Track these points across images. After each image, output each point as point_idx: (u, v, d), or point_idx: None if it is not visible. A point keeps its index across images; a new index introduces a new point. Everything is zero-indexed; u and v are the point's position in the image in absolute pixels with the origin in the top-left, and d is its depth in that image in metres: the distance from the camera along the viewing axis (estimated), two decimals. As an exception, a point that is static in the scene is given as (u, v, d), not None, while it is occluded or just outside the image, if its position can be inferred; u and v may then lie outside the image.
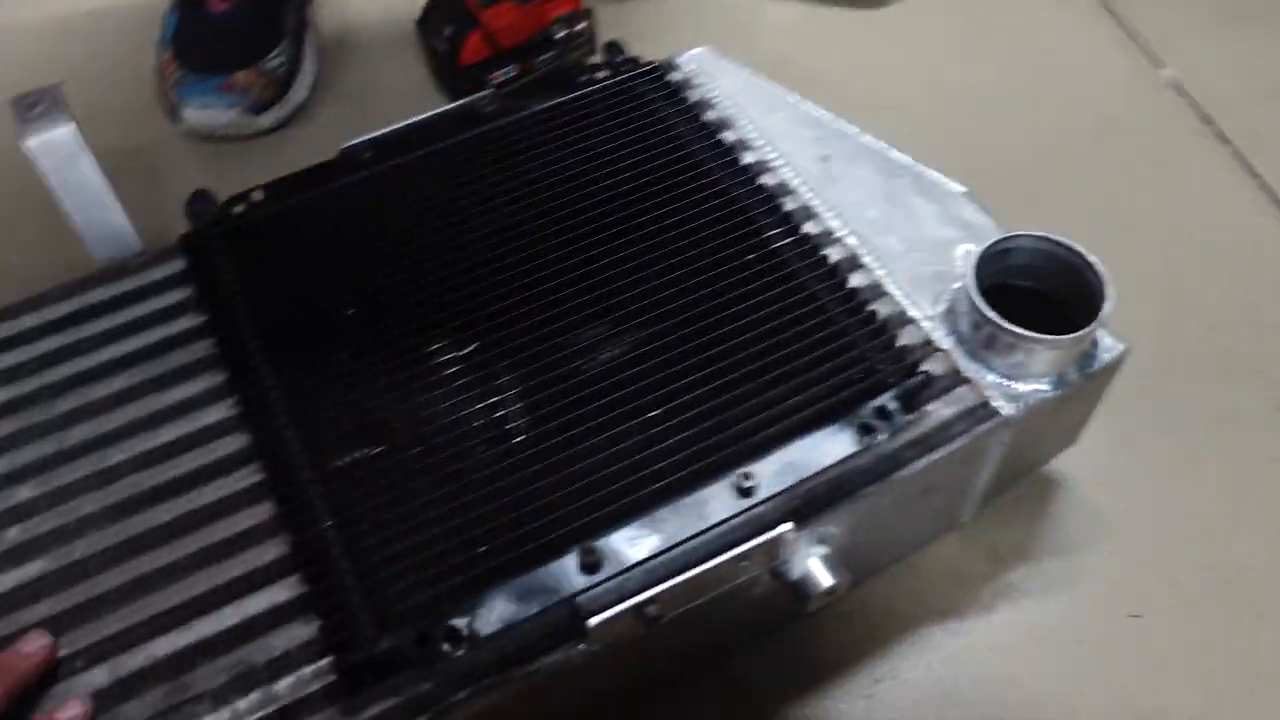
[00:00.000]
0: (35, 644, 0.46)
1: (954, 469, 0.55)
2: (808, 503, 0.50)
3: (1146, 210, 0.81)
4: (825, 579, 0.50)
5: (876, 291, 0.57)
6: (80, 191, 0.59)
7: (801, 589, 0.50)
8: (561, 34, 0.84)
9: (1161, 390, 0.71)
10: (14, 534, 0.50)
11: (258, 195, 0.59)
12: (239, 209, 0.59)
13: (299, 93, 0.86)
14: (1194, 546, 0.64)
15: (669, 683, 0.59)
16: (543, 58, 0.83)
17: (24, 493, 0.51)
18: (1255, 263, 0.78)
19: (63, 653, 0.46)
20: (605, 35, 0.78)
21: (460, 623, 0.44)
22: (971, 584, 0.63)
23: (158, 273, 0.59)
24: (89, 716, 0.44)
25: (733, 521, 0.47)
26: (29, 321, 0.58)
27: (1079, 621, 0.61)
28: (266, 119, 0.84)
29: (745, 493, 0.48)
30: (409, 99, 0.89)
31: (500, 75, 0.81)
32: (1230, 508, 0.65)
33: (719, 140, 0.62)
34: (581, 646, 0.46)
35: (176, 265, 0.59)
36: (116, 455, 0.52)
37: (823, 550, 0.50)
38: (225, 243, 0.58)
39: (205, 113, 0.81)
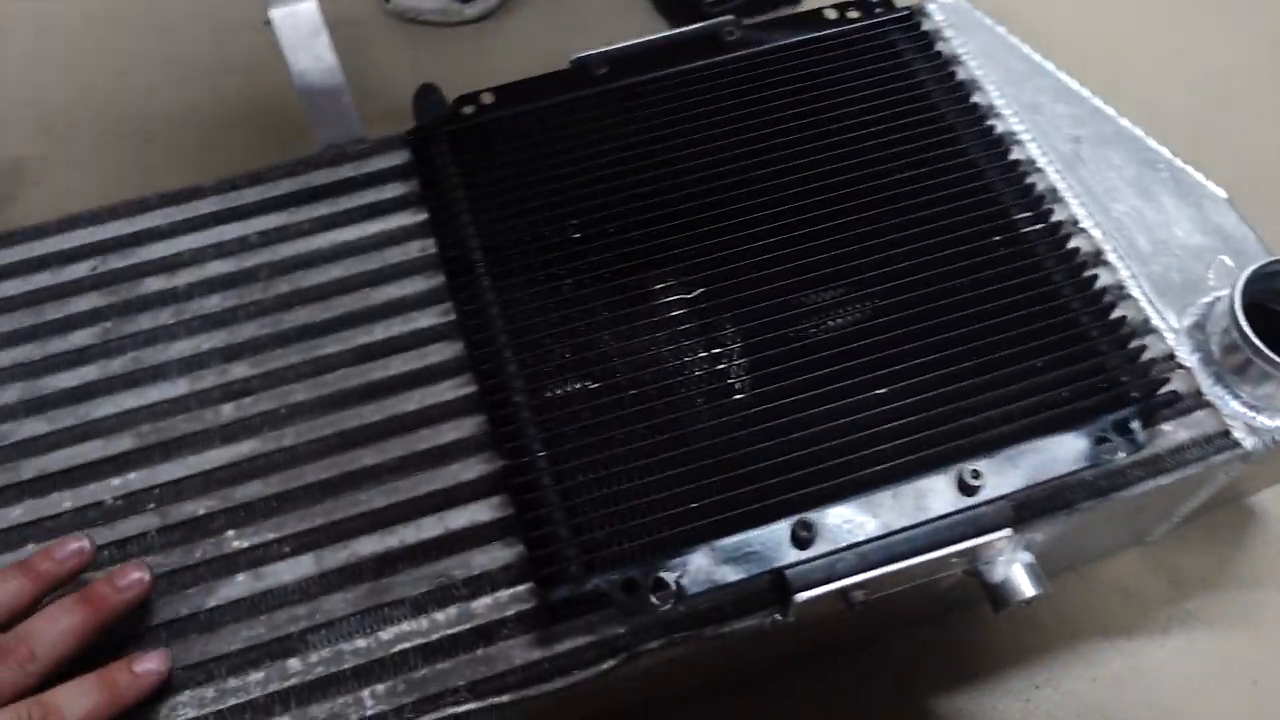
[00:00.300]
0: (132, 576, 0.42)
1: (1173, 494, 0.52)
2: (1024, 506, 0.48)
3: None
4: (1027, 588, 0.48)
5: (1120, 293, 0.54)
6: (314, 69, 0.58)
7: (1001, 593, 0.48)
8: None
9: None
10: (229, 410, 0.51)
11: (488, 98, 0.58)
12: (468, 109, 0.57)
13: (507, -14, 0.83)
14: (1395, 606, 0.60)
15: (828, 655, 0.58)
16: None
17: (240, 370, 0.52)
18: None
19: (269, 536, 0.47)
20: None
21: (669, 576, 0.44)
22: (1148, 605, 0.60)
23: (379, 163, 0.58)
24: (167, 671, 0.41)
25: (953, 518, 0.45)
26: (251, 195, 0.58)
27: (1259, 661, 0.59)
28: (473, 9, 0.82)
29: (969, 490, 0.46)
30: (616, 10, 0.85)
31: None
32: None
33: (970, 102, 0.58)
34: (777, 617, 0.46)
35: (399, 158, 0.58)
36: (330, 346, 0.52)
37: (1028, 558, 0.48)
38: (452, 143, 0.57)
39: (416, -4, 0.80)
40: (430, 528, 0.47)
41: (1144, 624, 0.59)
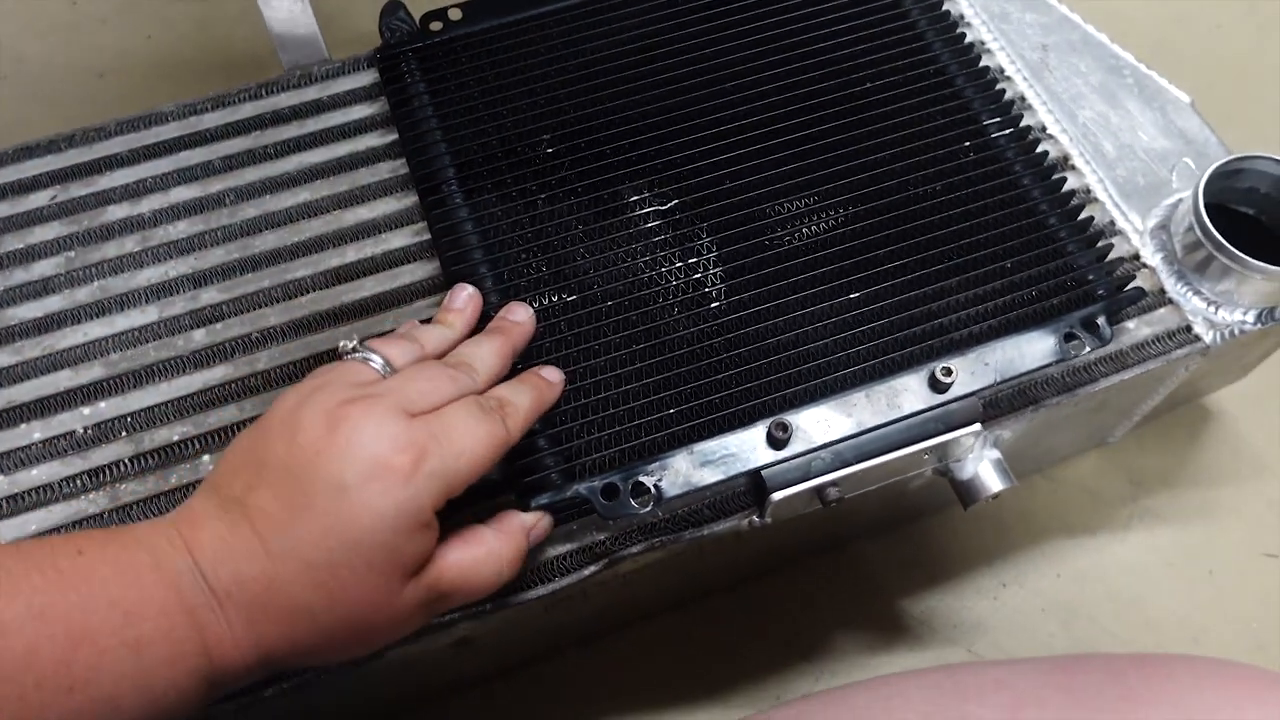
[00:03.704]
0: (519, 312, 0.45)
1: (1135, 389, 0.52)
2: (993, 404, 0.47)
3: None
4: (995, 484, 0.47)
5: (1087, 196, 0.53)
6: (275, -9, 0.54)
7: (970, 490, 0.47)
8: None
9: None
10: (200, 336, 0.48)
11: (455, 14, 0.55)
12: (436, 26, 0.54)
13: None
14: (1343, 496, 0.61)
15: (801, 558, 0.58)
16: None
17: (210, 296, 0.49)
18: None
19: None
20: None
21: (648, 480, 0.43)
22: (1109, 504, 0.60)
23: (346, 83, 0.55)
24: (560, 393, 0.44)
25: (925, 415, 0.45)
26: (213, 120, 0.54)
27: (1213, 553, 0.59)
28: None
29: (941, 387, 0.45)
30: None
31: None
32: (1386, 463, 0.62)
33: (941, 11, 0.56)
34: (755, 518, 0.45)
35: (366, 78, 0.55)
36: (301, 270, 0.50)
37: (996, 455, 0.48)
38: (420, 61, 0.54)
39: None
40: (409, 443, 0.46)
41: (1105, 522, 0.60)
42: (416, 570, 0.35)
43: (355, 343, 0.41)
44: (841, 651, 0.55)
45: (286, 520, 0.33)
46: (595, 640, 0.55)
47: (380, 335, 0.44)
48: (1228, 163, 0.50)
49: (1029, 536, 0.59)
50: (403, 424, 0.35)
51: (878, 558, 0.58)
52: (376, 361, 0.39)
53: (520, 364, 0.44)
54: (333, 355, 0.47)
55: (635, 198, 0.49)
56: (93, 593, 0.30)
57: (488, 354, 0.42)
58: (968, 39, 0.55)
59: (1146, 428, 0.61)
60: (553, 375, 0.43)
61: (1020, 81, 0.56)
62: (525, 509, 0.42)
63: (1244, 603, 0.57)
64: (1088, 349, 0.46)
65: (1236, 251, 0.47)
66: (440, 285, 0.49)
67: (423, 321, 0.45)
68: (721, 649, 0.55)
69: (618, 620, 0.55)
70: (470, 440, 0.36)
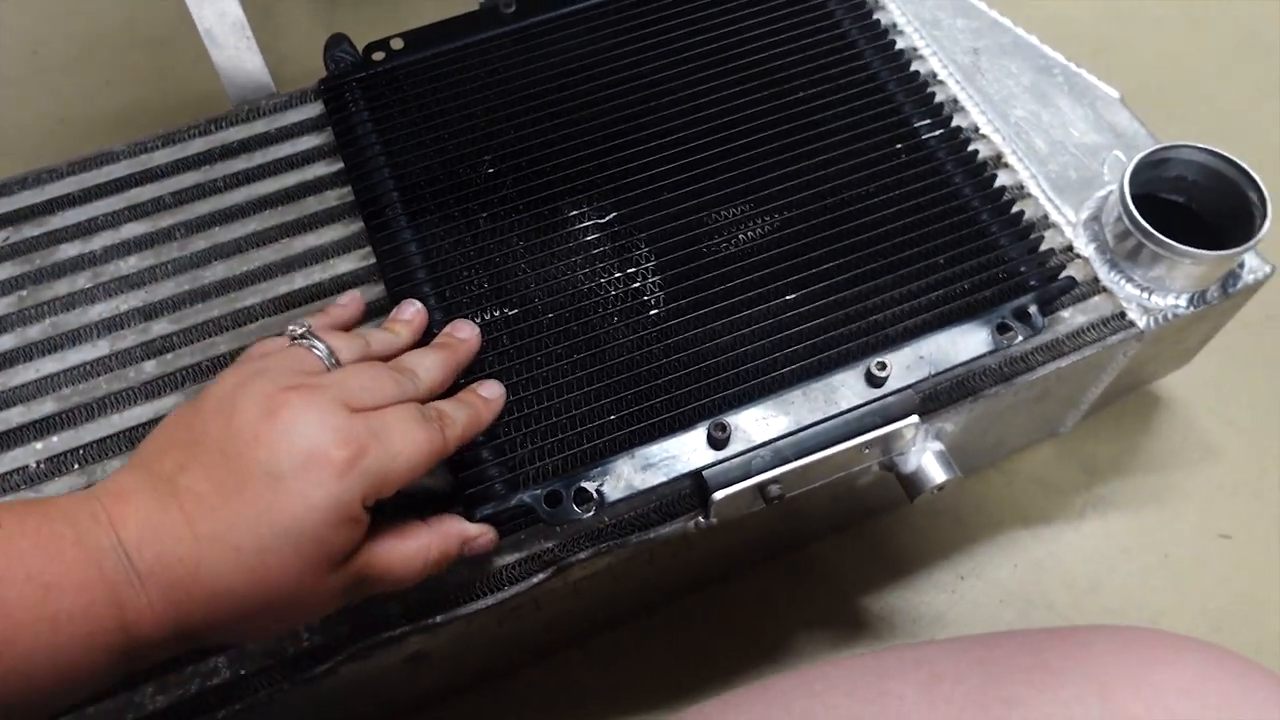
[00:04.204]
0: (468, 329, 0.45)
1: (1075, 377, 0.52)
2: (932, 397, 0.48)
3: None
4: (939, 475, 0.47)
5: (1020, 192, 0.54)
6: (220, 23, 0.55)
7: (914, 482, 0.48)
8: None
9: (1277, 316, 0.67)
10: (151, 368, 0.49)
11: (397, 44, 0.56)
12: (379, 56, 0.55)
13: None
14: (1293, 475, 0.61)
15: (761, 560, 0.58)
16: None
17: (160, 328, 0.50)
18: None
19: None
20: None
21: (590, 486, 0.43)
22: (1063, 493, 0.61)
23: (293, 116, 0.56)
24: (503, 395, 0.44)
25: (861, 410, 0.45)
26: (163, 157, 0.55)
27: (1168, 537, 0.59)
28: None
29: (877, 382, 0.45)
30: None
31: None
32: (1335, 441, 0.62)
33: (872, 19, 0.57)
34: (700, 519, 0.45)
35: (312, 110, 0.56)
36: (251, 298, 0.51)
37: (938, 446, 0.48)
38: (364, 90, 0.55)
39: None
40: (359, 463, 0.46)
41: (1060, 511, 0.60)
42: (343, 560, 0.35)
43: (304, 329, 0.40)
44: (804, 650, 0.55)
45: (218, 503, 0.33)
46: (556, 653, 0.55)
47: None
48: (1153, 152, 0.51)
49: (985, 529, 0.59)
50: (343, 417, 0.35)
51: (837, 557, 0.58)
52: (322, 350, 0.39)
53: (464, 379, 0.45)
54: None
55: (574, 212, 0.50)
56: (9, 565, 0.30)
57: (431, 364, 0.42)
58: (899, 46, 0.56)
59: (1097, 416, 0.62)
60: (491, 392, 0.44)
61: (953, 85, 0.57)
62: (471, 520, 0.42)
63: (1200, 584, 0.58)
64: (1020, 338, 0.47)
65: (1163, 238, 0.48)
66: (387, 307, 0.49)
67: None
68: (684, 655, 0.55)
69: (577, 631, 0.55)
70: (408, 443, 0.37)
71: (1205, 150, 0.51)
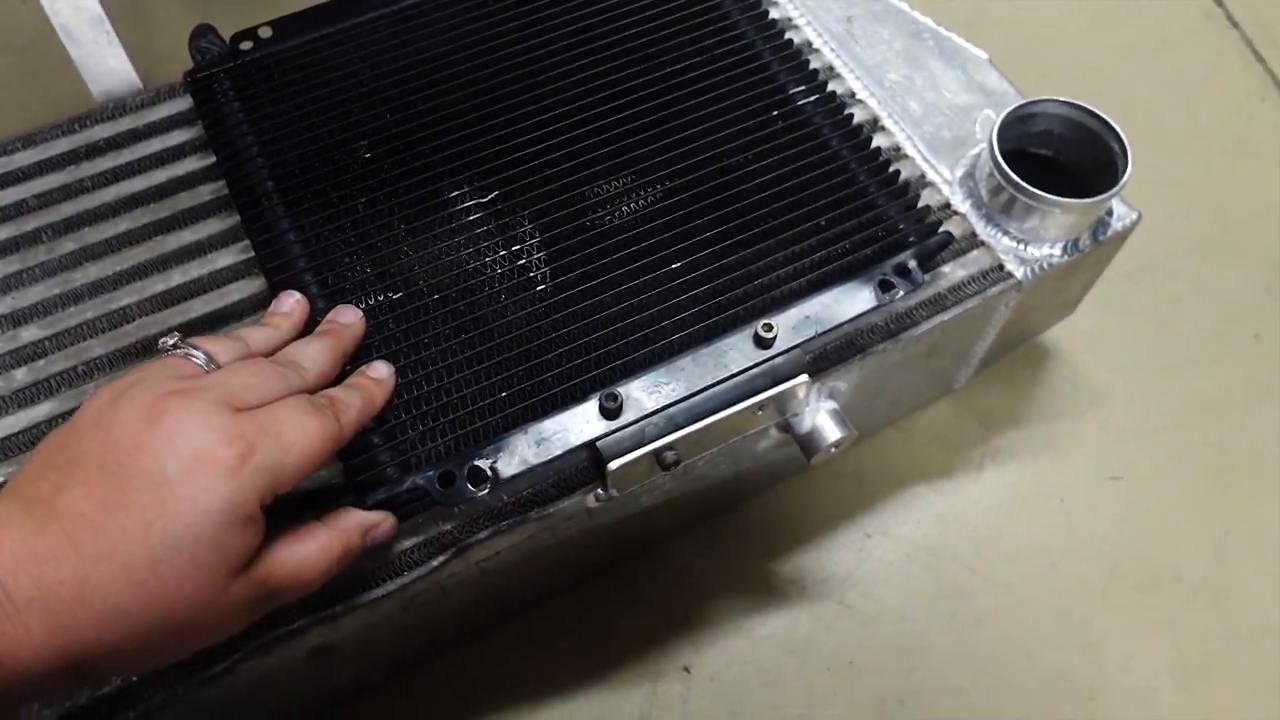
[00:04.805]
0: (348, 315, 0.44)
1: (961, 330, 0.53)
2: (822, 357, 0.48)
3: (1154, 90, 0.77)
4: (834, 432, 0.48)
5: (897, 154, 0.54)
6: (76, 18, 0.53)
7: (810, 441, 0.48)
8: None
9: (1154, 265, 0.69)
10: (22, 375, 0.47)
11: (265, 32, 0.54)
12: (247, 46, 0.54)
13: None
14: (1176, 415, 0.63)
15: (672, 536, 0.58)
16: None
17: (30, 334, 0.48)
18: (1255, 148, 0.75)
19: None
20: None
21: (483, 464, 0.42)
22: (962, 447, 0.62)
23: (161, 111, 0.54)
24: (393, 374, 0.43)
25: (751, 371, 0.45)
26: (25, 158, 0.53)
27: (1063, 482, 0.61)
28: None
29: (764, 344, 0.45)
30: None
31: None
32: (1209, 378, 0.65)
33: (745, -7, 0.57)
34: (599, 491, 0.45)
35: (180, 105, 0.54)
36: (126, 298, 0.49)
37: (832, 405, 0.49)
38: (233, 81, 0.53)
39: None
40: (246, 459, 0.45)
41: (960, 465, 0.61)
42: (243, 567, 0.34)
43: (175, 339, 0.39)
44: (717, 618, 0.55)
45: (101, 519, 0.32)
46: (472, 639, 0.54)
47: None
48: (1019, 108, 0.52)
49: (888, 488, 0.60)
50: (228, 417, 0.34)
51: (746, 524, 0.58)
52: (199, 357, 0.38)
53: (350, 366, 0.44)
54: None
55: (455, 193, 0.49)
56: None
57: (316, 353, 0.41)
58: (772, 16, 0.57)
59: (990, 371, 0.63)
60: (380, 372, 0.43)
61: (828, 53, 0.58)
62: (366, 508, 0.41)
63: (1096, 526, 0.59)
64: (901, 293, 0.48)
65: (1032, 189, 0.49)
66: (269, 299, 0.48)
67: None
68: (599, 633, 0.55)
69: (490, 617, 0.54)
70: (300, 434, 0.35)
71: (1067, 103, 0.52)
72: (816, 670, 0.54)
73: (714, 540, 0.57)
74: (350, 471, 0.42)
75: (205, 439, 0.33)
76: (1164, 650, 0.56)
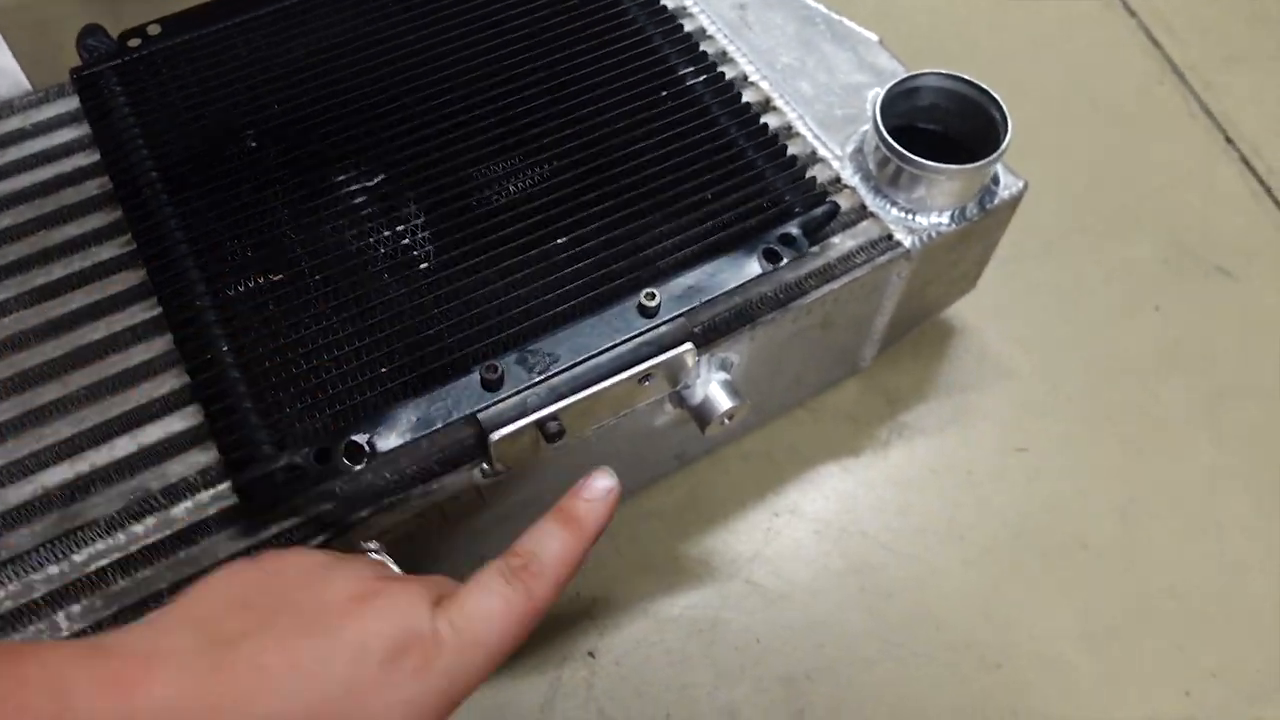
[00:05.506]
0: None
1: (854, 302, 0.53)
2: (712, 328, 0.48)
3: (1050, 73, 0.79)
4: (725, 402, 0.48)
5: (789, 133, 0.55)
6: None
7: (702, 412, 0.48)
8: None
9: (1057, 242, 0.70)
10: (-107, 372, 0.45)
11: (154, 29, 0.53)
12: (135, 43, 0.53)
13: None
14: (1080, 387, 0.64)
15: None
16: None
17: (-96, 328, 0.46)
18: (1150, 127, 0.77)
19: (-50, 484, 0.42)
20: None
21: (361, 439, 0.41)
22: (869, 425, 0.62)
23: (48, 111, 0.53)
24: (618, 485, 0.38)
25: (635, 340, 0.45)
26: (-92, 159, 0.52)
27: (969, 455, 0.61)
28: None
29: (648, 313, 0.45)
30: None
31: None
32: (1112, 351, 0.65)
33: (636, -17, 0.58)
34: (485, 466, 0.44)
35: (68, 104, 0.53)
36: (3, 293, 0.47)
37: (723, 376, 0.49)
38: (120, 78, 0.52)
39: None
40: (123, 447, 0.43)
41: (868, 442, 0.61)
42: None
43: (377, 545, 0.40)
44: (624, 602, 0.54)
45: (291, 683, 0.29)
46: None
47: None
48: (901, 82, 0.53)
49: (796, 467, 0.60)
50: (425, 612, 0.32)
51: (654, 507, 0.57)
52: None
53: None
54: (41, 370, 0.45)
55: (341, 178, 0.49)
56: None
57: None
58: (664, 3, 0.57)
59: (896, 349, 0.64)
60: (598, 485, 0.37)
61: (721, 39, 0.58)
62: (238, 485, 0.40)
63: (1002, 496, 0.59)
64: (786, 260, 0.47)
65: (914, 157, 0.50)
66: (151, 290, 0.47)
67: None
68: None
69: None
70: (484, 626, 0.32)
71: (948, 75, 0.53)
72: (724, 650, 0.53)
73: (619, 524, 0.56)
74: (224, 450, 0.41)
75: (405, 626, 0.31)
76: (1071, 616, 0.55)
